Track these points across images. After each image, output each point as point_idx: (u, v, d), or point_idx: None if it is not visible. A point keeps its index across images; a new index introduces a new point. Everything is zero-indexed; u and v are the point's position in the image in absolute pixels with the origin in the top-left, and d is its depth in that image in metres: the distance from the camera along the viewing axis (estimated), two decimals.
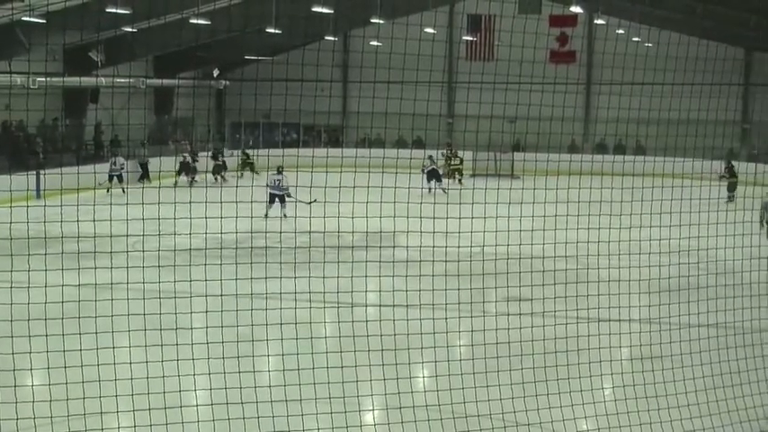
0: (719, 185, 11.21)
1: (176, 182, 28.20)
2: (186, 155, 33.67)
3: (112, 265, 8.68)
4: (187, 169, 32.41)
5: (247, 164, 36.49)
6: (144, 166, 33.50)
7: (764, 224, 21.92)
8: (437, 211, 9.66)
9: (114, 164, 30.98)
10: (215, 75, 42.03)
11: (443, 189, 29.98)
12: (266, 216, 22.98)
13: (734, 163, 31.90)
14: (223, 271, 8.96)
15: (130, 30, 31.76)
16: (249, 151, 37.58)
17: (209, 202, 9.12)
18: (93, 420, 7.87)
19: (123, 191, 28.24)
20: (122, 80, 34.79)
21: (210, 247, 10.78)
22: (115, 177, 29.83)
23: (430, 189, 30.50)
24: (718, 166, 31.24)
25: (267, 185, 24.49)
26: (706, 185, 10.72)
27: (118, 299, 8.43)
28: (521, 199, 10.29)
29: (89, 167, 23.66)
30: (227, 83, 42.83)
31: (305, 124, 43.72)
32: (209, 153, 36.49)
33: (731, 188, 28.92)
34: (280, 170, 24.36)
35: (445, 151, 36.82)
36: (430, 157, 31.99)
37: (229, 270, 9.27)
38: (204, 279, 8.75)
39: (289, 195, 23.39)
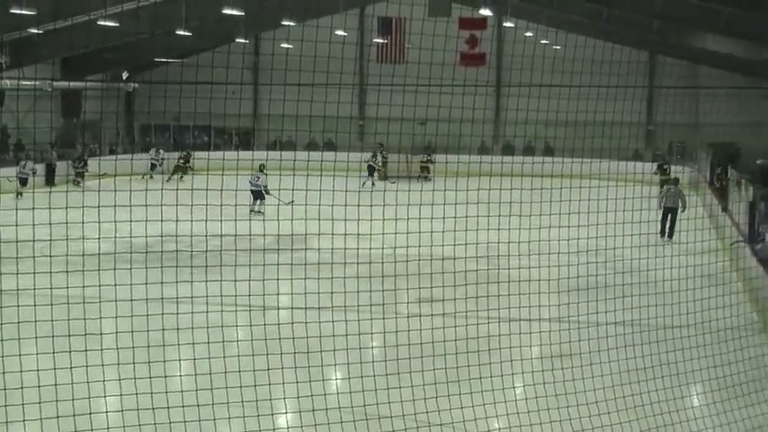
0: (625, 186, 11.38)
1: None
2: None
3: (18, 270, 8.53)
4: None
5: (180, 168, 36.72)
6: (51, 169, 33.60)
7: (661, 207, 23.88)
8: (349, 213, 9.68)
9: (24, 167, 31.21)
10: (124, 77, 41.49)
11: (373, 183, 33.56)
12: (251, 212, 25.17)
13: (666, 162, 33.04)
14: (133, 275, 8.86)
15: (36, 31, 31.20)
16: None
17: (119, 206, 9.00)
18: None
19: (21, 195, 28.70)
20: (28, 83, 34.17)
21: (120, 252, 10.64)
22: (24, 180, 30.46)
23: (364, 183, 32.10)
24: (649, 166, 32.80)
25: (249, 182, 26.10)
26: (612, 186, 10.89)
27: (24, 305, 8.27)
28: (431, 200, 10.36)
29: None
30: (137, 85, 42.30)
31: (216, 127, 43.42)
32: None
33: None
34: (261, 168, 26.46)
35: (378, 153, 37.40)
36: (374, 155, 36.18)
37: (140, 274, 9.16)
38: (114, 284, 8.64)
39: (267, 193, 25.81)
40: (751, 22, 23.70)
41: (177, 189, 9.08)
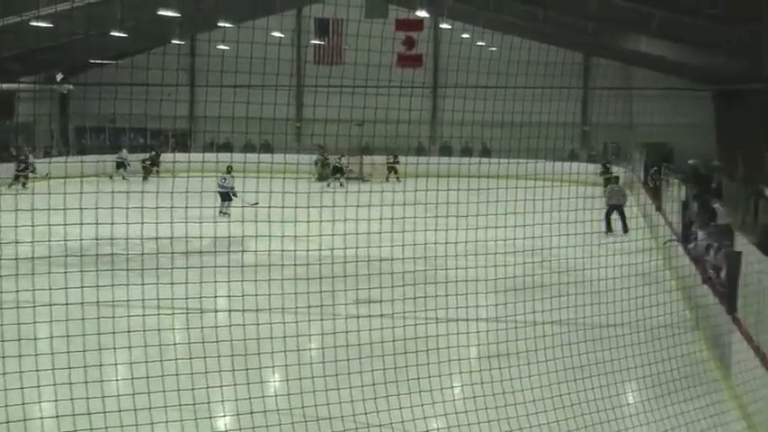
0: (561, 186, 11.50)
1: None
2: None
3: None
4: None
5: (147, 169, 37.17)
6: None
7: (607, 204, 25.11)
8: (286, 215, 9.66)
9: None
10: (58, 79, 40.94)
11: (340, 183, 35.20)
12: (221, 212, 25.81)
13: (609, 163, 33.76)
14: (68, 279, 8.75)
15: None
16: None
17: (53, 209, 8.89)
18: None
19: None
20: None
21: (55, 255, 10.52)
22: None
23: (329, 184, 34.28)
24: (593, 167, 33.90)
25: (217, 184, 26.28)
26: (549, 186, 11.00)
27: None
28: (369, 201, 10.38)
29: None
30: (72, 87, 41.77)
31: (152, 129, 43.03)
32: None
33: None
34: (229, 170, 26.98)
35: (317, 155, 37.87)
36: (341, 156, 37.37)
37: (75, 278, 9.06)
38: (48, 288, 8.53)
39: (235, 195, 25.88)
40: (682, 25, 24.08)
41: (113, 192, 8.99)
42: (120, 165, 39.27)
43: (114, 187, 8.69)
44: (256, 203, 11.43)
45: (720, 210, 17.69)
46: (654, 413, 9.43)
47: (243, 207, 11.82)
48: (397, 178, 37.53)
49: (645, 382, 10.30)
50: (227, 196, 26.53)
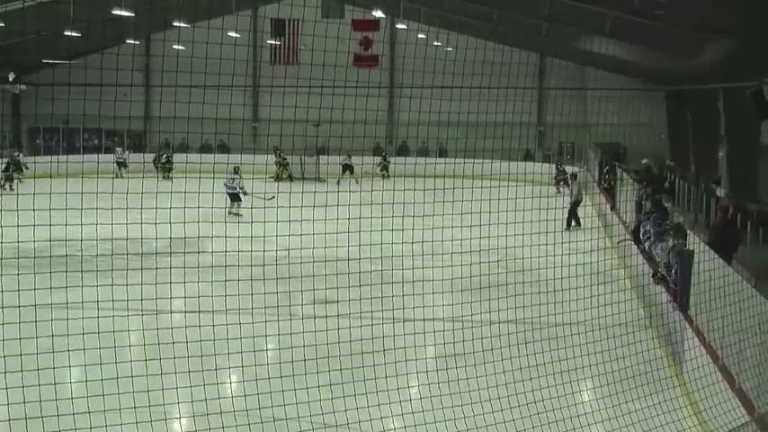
0: (516, 185, 11.54)
1: None
2: None
3: None
4: None
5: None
6: None
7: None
8: (243, 216, 9.62)
9: None
10: (10, 79, 40.46)
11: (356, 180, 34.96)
12: (229, 213, 25.26)
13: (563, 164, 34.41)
14: (21, 281, 8.66)
15: None
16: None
17: (5, 210, 8.79)
18: None
19: None
20: None
21: (7, 257, 10.40)
22: None
23: (339, 182, 33.87)
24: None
25: (225, 185, 26.11)
26: (504, 186, 11.04)
27: None
28: (325, 202, 10.37)
29: None
30: (24, 87, 41.29)
31: (107, 129, 42.65)
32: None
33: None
34: (236, 170, 26.85)
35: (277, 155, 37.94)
36: (348, 155, 37.85)
37: (28, 280, 8.96)
38: (1, 290, 8.43)
39: (245, 194, 25.84)
40: (634, 26, 24.30)
41: (66, 192, 8.91)
42: (122, 164, 38.96)
43: (84, 187, 8.59)
44: (272, 197, 11.41)
45: (672, 209, 17.89)
46: (608, 411, 9.50)
47: (269, 200, 11.73)
48: (386, 176, 37.85)
49: (600, 380, 10.39)
50: (236, 197, 26.38)
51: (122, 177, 31.61)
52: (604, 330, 10.67)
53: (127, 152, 40.32)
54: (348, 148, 35.38)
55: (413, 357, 9.73)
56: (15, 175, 35.01)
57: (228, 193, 26.51)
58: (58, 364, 8.58)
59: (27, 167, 35.12)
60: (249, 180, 23.59)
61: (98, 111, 10.48)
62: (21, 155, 37.92)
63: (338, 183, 30.36)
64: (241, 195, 26.37)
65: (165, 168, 36.88)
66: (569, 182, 29.14)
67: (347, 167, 38.25)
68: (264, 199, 12.68)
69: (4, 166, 34.19)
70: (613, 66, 33.65)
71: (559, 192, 32.09)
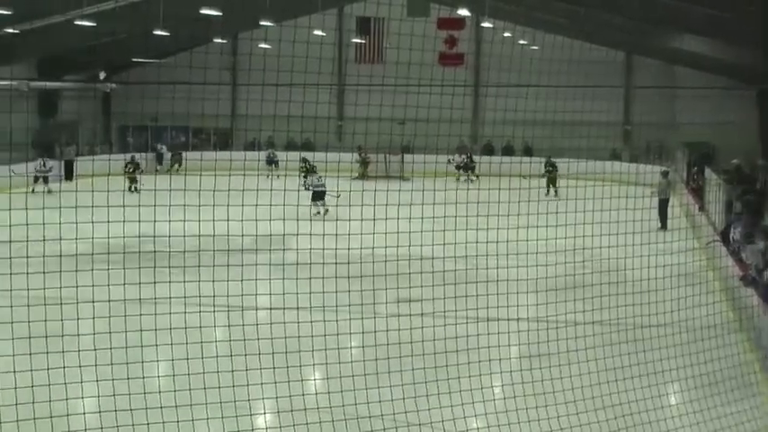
0: (603, 185, 11.41)
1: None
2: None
3: None
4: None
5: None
6: (69, 165, 35.85)
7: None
8: (327, 214, 9.67)
9: (43, 165, 32.59)
10: (101, 77, 41.27)
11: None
12: (317, 213, 24.99)
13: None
14: (111, 276, 8.82)
15: (12, 31, 30.97)
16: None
17: (96, 207, 8.96)
18: None
19: (50, 191, 28.77)
20: (4, 83, 33.96)
21: (98, 252, 10.60)
22: (41, 178, 31.65)
23: (458, 178, 35.73)
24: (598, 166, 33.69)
25: (311, 185, 27.08)
26: (591, 185, 10.93)
27: (1, 306, 8.23)
28: (410, 200, 10.37)
29: None
30: (114, 86, 42.09)
31: (194, 127, 43.24)
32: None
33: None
34: (315, 170, 27.76)
35: (360, 154, 38.08)
36: (458, 153, 38.75)
37: (117, 275, 9.13)
38: (91, 285, 8.60)
39: (325, 193, 26.25)
40: (725, 22, 23.84)
41: (155, 189, 9.05)
42: (160, 157, 40.84)
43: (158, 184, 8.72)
44: (339, 195, 11.50)
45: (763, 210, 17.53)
46: (696, 415, 9.35)
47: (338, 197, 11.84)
48: (473, 177, 37.22)
49: (687, 384, 10.21)
50: (321, 195, 26.60)
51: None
52: (692, 333, 10.50)
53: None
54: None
55: (496, 357, 9.66)
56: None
57: (315, 192, 26.73)
58: (145, 359, 8.73)
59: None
60: (334, 178, 23.71)
61: (186, 109, 10.62)
62: (163, 147, 41.11)
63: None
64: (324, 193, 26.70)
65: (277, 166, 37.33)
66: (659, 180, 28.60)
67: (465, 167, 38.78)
68: (336, 196, 12.81)
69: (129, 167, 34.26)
70: (703, 64, 33.05)
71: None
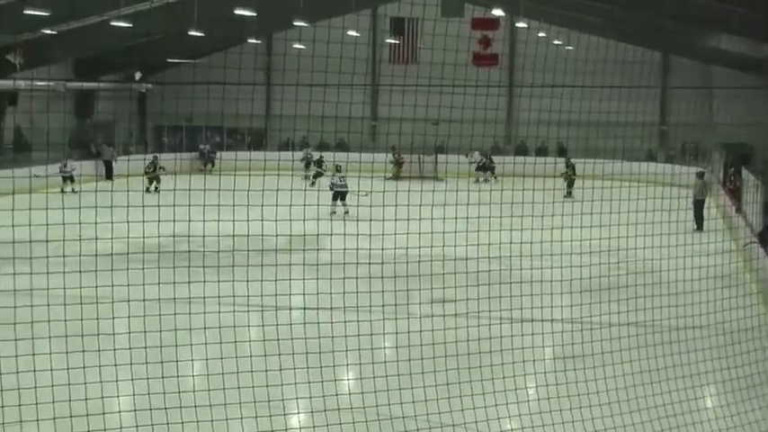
0: (638, 186, 11.35)
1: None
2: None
3: (32, 270, 8.53)
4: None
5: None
6: (109, 165, 36.41)
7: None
8: (360, 214, 9.68)
9: (65, 166, 32.40)
10: (137, 78, 41.52)
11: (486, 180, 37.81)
12: (332, 213, 25.38)
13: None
14: (145, 275, 8.86)
15: (50, 32, 31.26)
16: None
17: (131, 206, 9.01)
18: (12, 429, 7.73)
19: (74, 191, 29.26)
20: (42, 83, 34.27)
21: (133, 252, 10.65)
22: (67, 179, 31.78)
23: (478, 179, 36.53)
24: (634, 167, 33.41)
25: (333, 184, 26.90)
26: (626, 186, 10.86)
27: (38, 305, 8.28)
28: (444, 201, 10.35)
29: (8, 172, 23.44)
30: (150, 86, 42.34)
31: (228, 127, 43.41)
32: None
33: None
34: (339, 169, 26.89)
35: (394, 155, 38.16)
36: (478, 153, 38.90)
37: (152, 274, 9.17)
38: (126, 284, 8.64)
39: (347, 194, 26.42)
40: (760, 22, 23.64)
41: (189, 189, 9.08)
42: (203, 156, 41.64)
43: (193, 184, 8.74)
44: (366, 194, 11.51)
45: None
46: (734, 418, 9.26)
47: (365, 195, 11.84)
48: (494, 178, 37.74)
49: (724, 387, 10.12)
50: (342, 195, 26.70)
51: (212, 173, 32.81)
52: (729, 335, 10.40)
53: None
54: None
55: (530, 358, 9.63)
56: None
57: (337, 191, 26.89)
58: (180, 358, 8.77)
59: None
60: (367, 179, 23.72)
61: (220, 109, 10.65)
62: (206, 147, 42.15)
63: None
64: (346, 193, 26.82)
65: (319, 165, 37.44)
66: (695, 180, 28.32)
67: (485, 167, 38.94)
68: (364, 195, 12.85)
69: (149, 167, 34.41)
70: (740, 63, 32.77)
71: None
